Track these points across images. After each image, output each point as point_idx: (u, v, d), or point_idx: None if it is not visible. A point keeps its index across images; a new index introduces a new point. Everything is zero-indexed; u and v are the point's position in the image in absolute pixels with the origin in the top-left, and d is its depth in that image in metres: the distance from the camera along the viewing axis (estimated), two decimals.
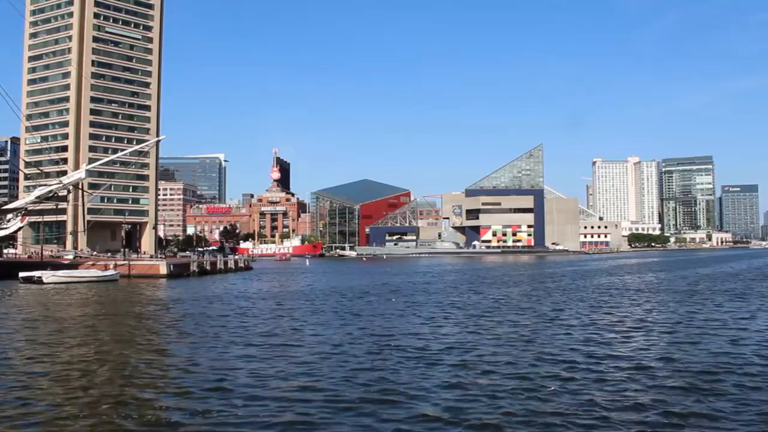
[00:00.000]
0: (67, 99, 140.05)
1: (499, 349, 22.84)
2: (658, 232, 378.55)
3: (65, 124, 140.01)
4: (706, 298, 43.70)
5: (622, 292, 50.22)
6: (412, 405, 15.14)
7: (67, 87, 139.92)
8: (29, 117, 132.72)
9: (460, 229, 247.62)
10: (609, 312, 35.39)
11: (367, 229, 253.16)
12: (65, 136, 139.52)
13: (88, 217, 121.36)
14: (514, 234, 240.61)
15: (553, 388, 16.64)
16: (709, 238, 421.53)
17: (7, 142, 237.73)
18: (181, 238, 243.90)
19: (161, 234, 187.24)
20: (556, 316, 33.21)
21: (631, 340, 24.95)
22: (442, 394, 16.18)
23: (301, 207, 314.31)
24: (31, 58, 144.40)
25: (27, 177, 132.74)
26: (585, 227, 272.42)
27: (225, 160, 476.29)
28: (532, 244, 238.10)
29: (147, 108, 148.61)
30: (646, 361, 20.48)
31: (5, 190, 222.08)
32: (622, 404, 15.15)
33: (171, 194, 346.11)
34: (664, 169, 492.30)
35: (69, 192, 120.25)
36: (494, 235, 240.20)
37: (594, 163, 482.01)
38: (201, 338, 26.39)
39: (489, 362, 20.33)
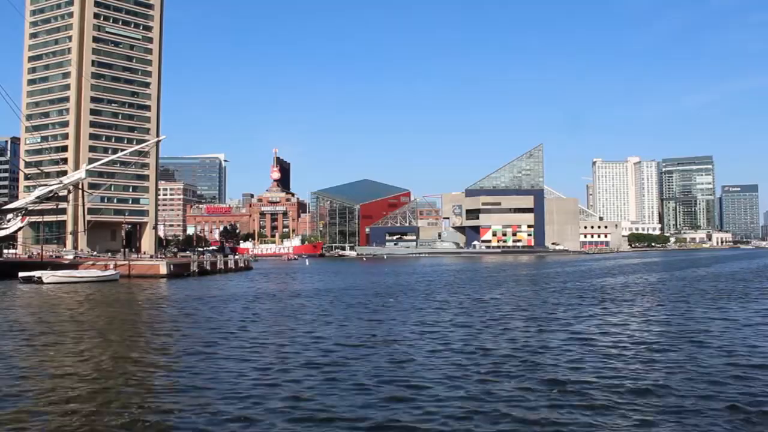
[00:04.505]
0: (67, 99, 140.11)
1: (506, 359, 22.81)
2: (658, 232, 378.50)
3: (65, 124, 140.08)
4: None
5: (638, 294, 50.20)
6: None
7: (67, 87, 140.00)
8: (29, 117, 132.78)
9: (460, 229, 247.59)
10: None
11: (367, 229, 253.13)
12: (65, 136, 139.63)
13: (88, 217, 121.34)
14: (514, 234, 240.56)
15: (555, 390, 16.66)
16: (709, 238, 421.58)
17: (7, 142, 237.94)
18: (181, 238, 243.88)
19: (161, 234, 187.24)
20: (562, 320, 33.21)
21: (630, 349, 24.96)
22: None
23: (301, 207, 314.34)
24: (31, 58, 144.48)
25: (27, 177, 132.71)
26: (585, 227, 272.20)
27: (225, 160, 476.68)
28: (532, 244, 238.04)
29: (147, 108, 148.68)
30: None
31: (5, 190, 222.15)
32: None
33: (171, 194, 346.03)
34: (664, 169, 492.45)
35: (69, 192, 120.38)
36: (494, 235, 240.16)
37: (594, 163, 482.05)
38: (192, 339, 26.43)
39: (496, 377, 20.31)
